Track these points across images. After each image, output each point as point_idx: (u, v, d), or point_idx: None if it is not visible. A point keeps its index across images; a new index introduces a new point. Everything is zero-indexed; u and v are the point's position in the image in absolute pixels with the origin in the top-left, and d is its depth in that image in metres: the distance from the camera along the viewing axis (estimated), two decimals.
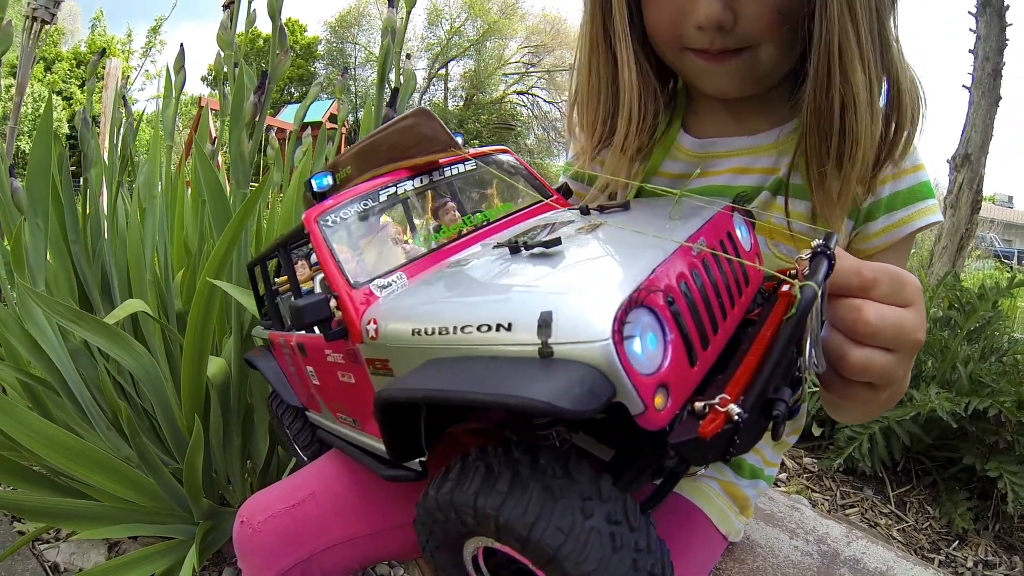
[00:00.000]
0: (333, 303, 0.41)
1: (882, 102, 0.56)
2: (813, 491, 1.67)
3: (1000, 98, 3.77)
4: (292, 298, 0.55)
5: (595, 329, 0.27)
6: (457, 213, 0.54)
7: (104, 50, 1.71)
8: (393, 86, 0.88)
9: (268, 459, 1.18)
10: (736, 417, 0.27)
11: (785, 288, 0.36)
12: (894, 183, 0.61)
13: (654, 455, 0.33)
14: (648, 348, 0.28)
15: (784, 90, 0.62)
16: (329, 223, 0.45)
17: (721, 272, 0.37)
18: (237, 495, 1.20)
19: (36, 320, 0.98)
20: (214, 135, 1.68)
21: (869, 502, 1.63)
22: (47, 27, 2.09)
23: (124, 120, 1.40)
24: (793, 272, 0.37)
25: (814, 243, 0.37)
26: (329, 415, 0.57)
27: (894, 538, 1.49)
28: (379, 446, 0.47)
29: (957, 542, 1.51)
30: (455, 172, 0.53)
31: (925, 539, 1.51)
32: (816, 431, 1.81)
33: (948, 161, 3.42)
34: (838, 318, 0.39)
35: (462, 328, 0.31)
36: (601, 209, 0.47)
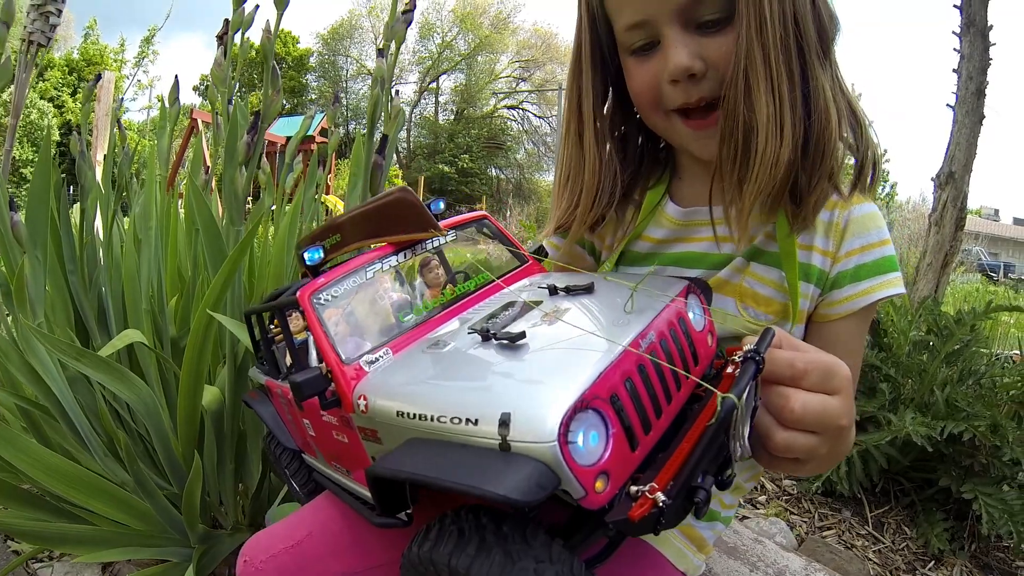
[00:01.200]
0: (326, 369, 0.46)
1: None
2: (791, 513, 1.71)
3: (984, 116, 3.83)
4: (288, 357, 0.59)
5: (544, 431, 0.32)
6: (441, 270, 0.58)
7: (100, 76, 1.73)
8: (382, 132, 0.91)
9: (260, 484, 1.20)
10: (661, 504, 0.33)
11: (730, 370, 0.40)
12: (861, 256, 0.66)
13: (599, 523, 0.39)
14: (590, 444, 0.34)
15: None
16: (322, 300, 0.49)
17: (668, 359, 0.42)
18: (229, 518, 1.23)
19: (36, 351, 1.01)
20: (207, 160, 1.71)
21: (847, 523, 1.67)
22: (43, 49, 2.12)
23: (120, 146, 1.43)
24: (741, 355, 0.41)
25: (746, 348, 0.41)
26: (324, 461, 0.61)
27: (870, 559, 1.53)
28: (368, 495, 0.52)
29: (933, 562, 1.54)
30: (436, 244, 0.57)
31: (901, 560, 1.55)
32: None
33: (932, 179, 3.48)
34: (769, 403, 0.44)
35: (438, 418, 0.37)
36: (567, 290, 0.51)
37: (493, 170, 32.66)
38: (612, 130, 0.72)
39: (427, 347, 0.48)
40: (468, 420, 0.35)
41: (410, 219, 0.52)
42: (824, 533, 1.62)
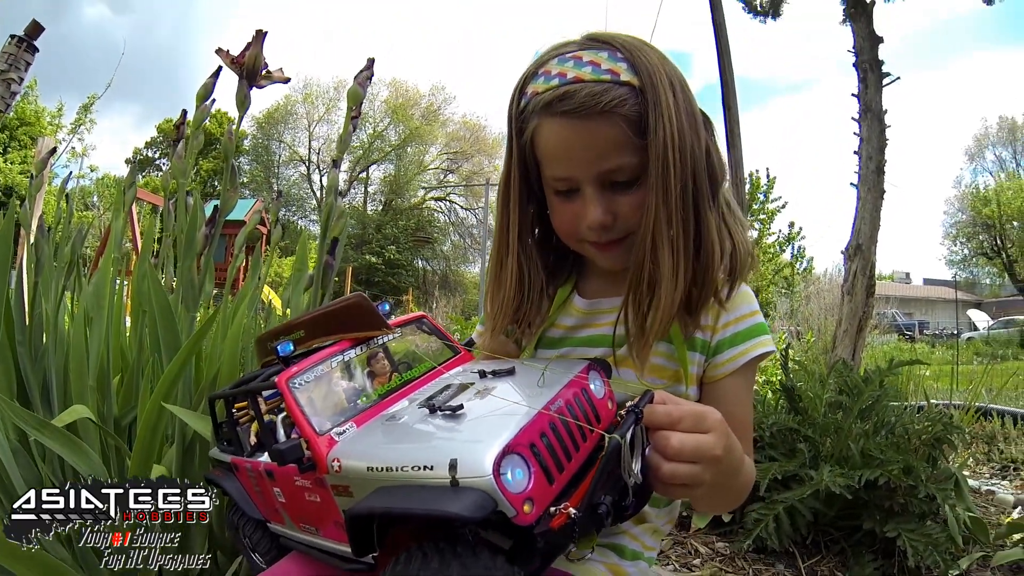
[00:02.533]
0: (304, 444, 0.56)
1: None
2: (727, 572, 1.78)
3: (884, 191, 4.24)
4: (253, 434, 0.66)
5: (483, 469, 0.44)
6: (386, 362, 0.71)
7: (55, 148, 1.77)
8: (332, 235, 1.00)
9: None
10: (573, 515, 0.47)
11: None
12: (736, 326, 0.82)
13: (532, 543, 0.50)
14: (517, 478, 0.46)
15: None
16: (297, 385, 0.60)
17: (575, 418, 0.55)
18: None
19: None
20: (137, 238, 1.75)
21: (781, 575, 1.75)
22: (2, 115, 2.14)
23: (66, 220, 1.46)
24: (625, 410, 0.56)
25: (628, 404, 0.57)
26: (292, 525, 0.70)
27: None
28: (337, 548, 0.63)
29: None
30: (384, 340, 0.70)
31: None
32: (726, 517, 1.96)
33: (842, 252, 3.81)
34: (655, 444, 0.58)
35: (401, 468, 0.49)
36: (494, 373, 0.64)
37: (420, 262, 32.91)
38: (535, 234, 0.85)
39: (385, 420, 0.60)
40: (425, 467, 0.47)
41: (364, 319, 0.64)
42: None
